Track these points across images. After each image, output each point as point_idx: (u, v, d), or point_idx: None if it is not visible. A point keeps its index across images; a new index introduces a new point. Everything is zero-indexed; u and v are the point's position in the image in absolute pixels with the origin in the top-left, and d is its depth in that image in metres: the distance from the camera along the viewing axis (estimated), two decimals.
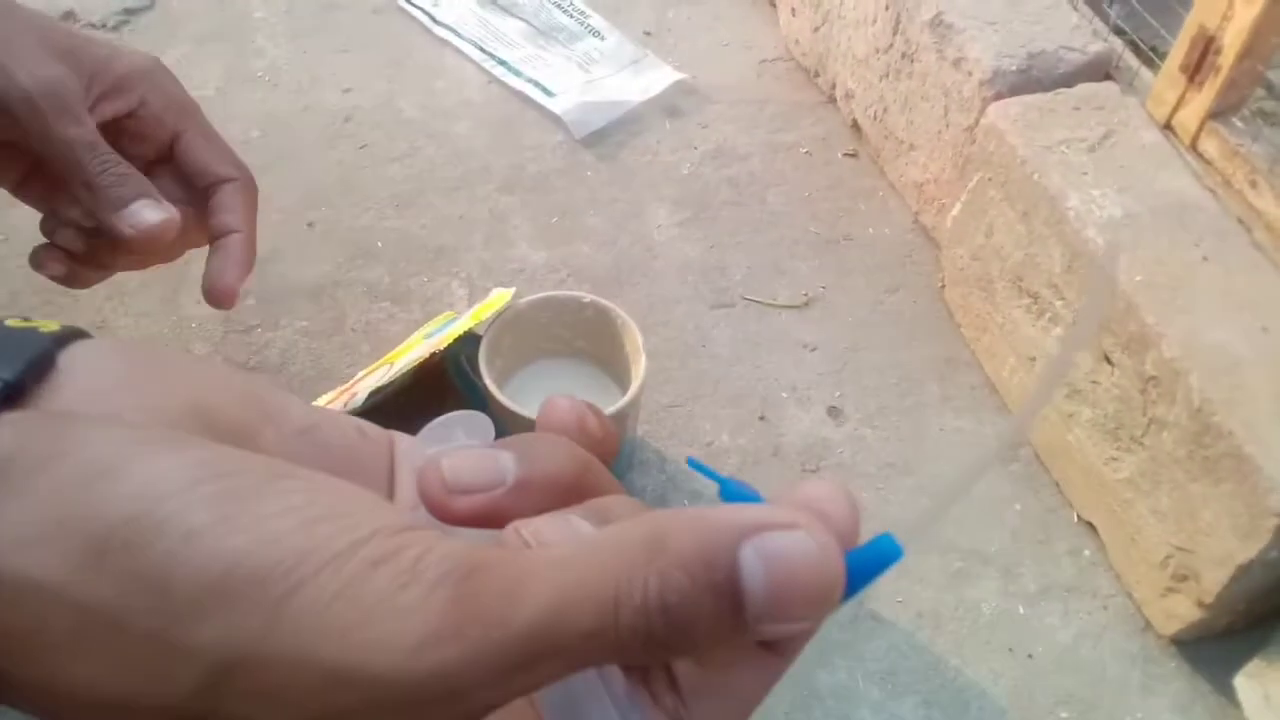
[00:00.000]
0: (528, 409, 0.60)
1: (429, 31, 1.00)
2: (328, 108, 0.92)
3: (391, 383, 0.65)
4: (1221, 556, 0.57)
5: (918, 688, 0.61)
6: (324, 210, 0.84)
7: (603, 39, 1.00)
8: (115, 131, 0.51)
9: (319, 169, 0.87)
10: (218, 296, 0.52)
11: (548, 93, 0.94)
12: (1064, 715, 0.61)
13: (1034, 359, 0.70)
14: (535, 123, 0.93)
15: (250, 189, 0.54)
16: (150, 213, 0.48)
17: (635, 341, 0.63)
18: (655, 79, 0.96)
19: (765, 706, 0.59)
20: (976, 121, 0.74)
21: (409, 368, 0.64)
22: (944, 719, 0.60)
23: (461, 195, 0.86)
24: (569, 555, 0.19)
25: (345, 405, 0.66)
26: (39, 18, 0.49)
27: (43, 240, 0.51)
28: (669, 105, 0.95)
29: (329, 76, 0.95)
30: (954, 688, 0.61)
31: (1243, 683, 0.60)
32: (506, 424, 0.62)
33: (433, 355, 0.63)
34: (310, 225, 0.82)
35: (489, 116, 0.93)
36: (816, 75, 0.98)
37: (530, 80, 0.95)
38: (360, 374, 0.71)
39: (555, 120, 0.93)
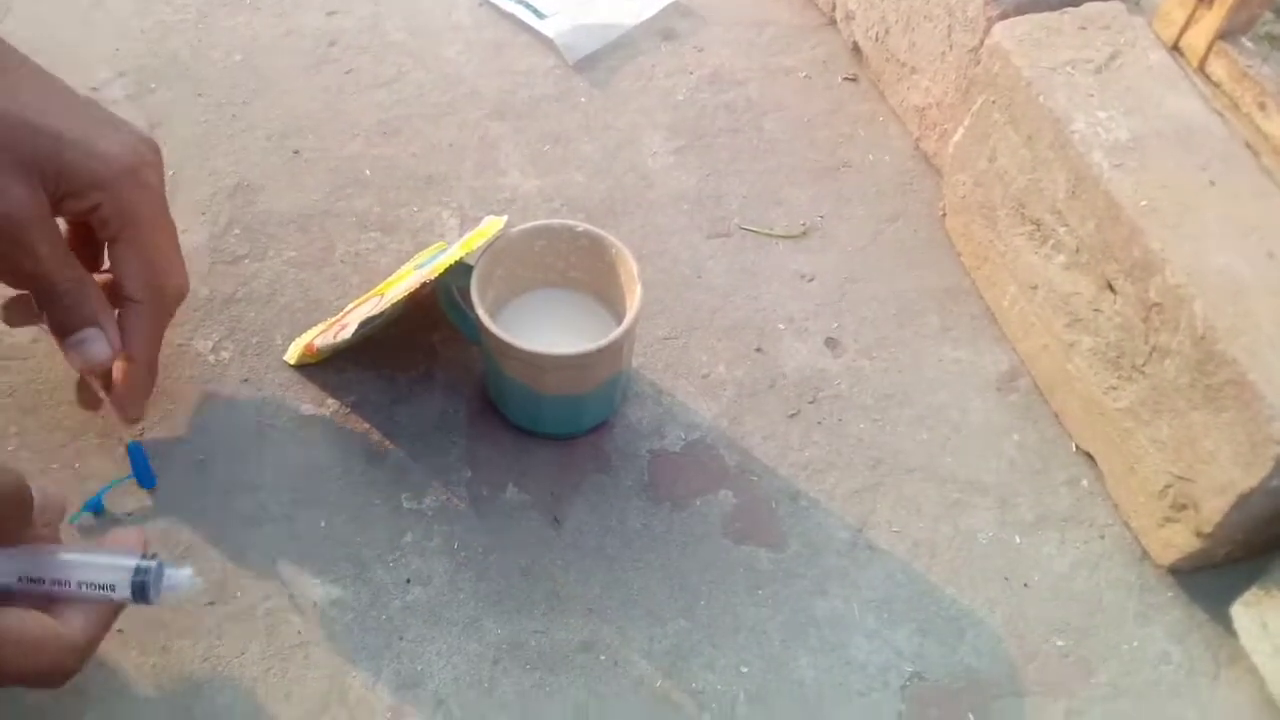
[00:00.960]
0: (521, 340, 0.59)
1: None
2: (311, 31, 0.90)
3: (382, 314, 0.64)
4: (1222, 485, 0.57)
5: (913, 616, 0.61)
6: (310, 138, 0.82)
7: None
8: (77, 222, 0.56)
9: (304, 95, 0.85)
10: (122, 414, 0.60)
11: (539, 15, 0.91)
12: (1059, 643, 0.61)
13: (1035, 287, 0.69)
14: (526, 46, 0.90)
15: (158, 315, 0.57)
16: (90, 348, 0.54)
17: (630, 271, 0.62)
18: (650, 0, 0.93)
19: (761, 632, 0.59)
20: (981, 42, 0.72)
21: (400, 298, 0.63)
22: (938, 646, 0.60)
23: (451, 122, 0.84)
24: None
25: (336, 337, 0.65)
26: (7, 116, 0.49)
27: None
28: (664, 28, 0.93)
29: None
30: (948, 616, 0.61)
31: (1240, 611, 0.60)
32: (500, 355, 0.61)
33: (424, 285, 0.62)
34: (296, 153, 0.81)
35: (478, 40, 0.91)
36: None
37: (521, 2, 0.92)
38: (350, 305, 0.70)
39: (547, 44, 0.90)
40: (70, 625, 0.45)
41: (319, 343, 0.66)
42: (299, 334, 0.69)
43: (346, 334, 0.64)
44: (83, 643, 0.46)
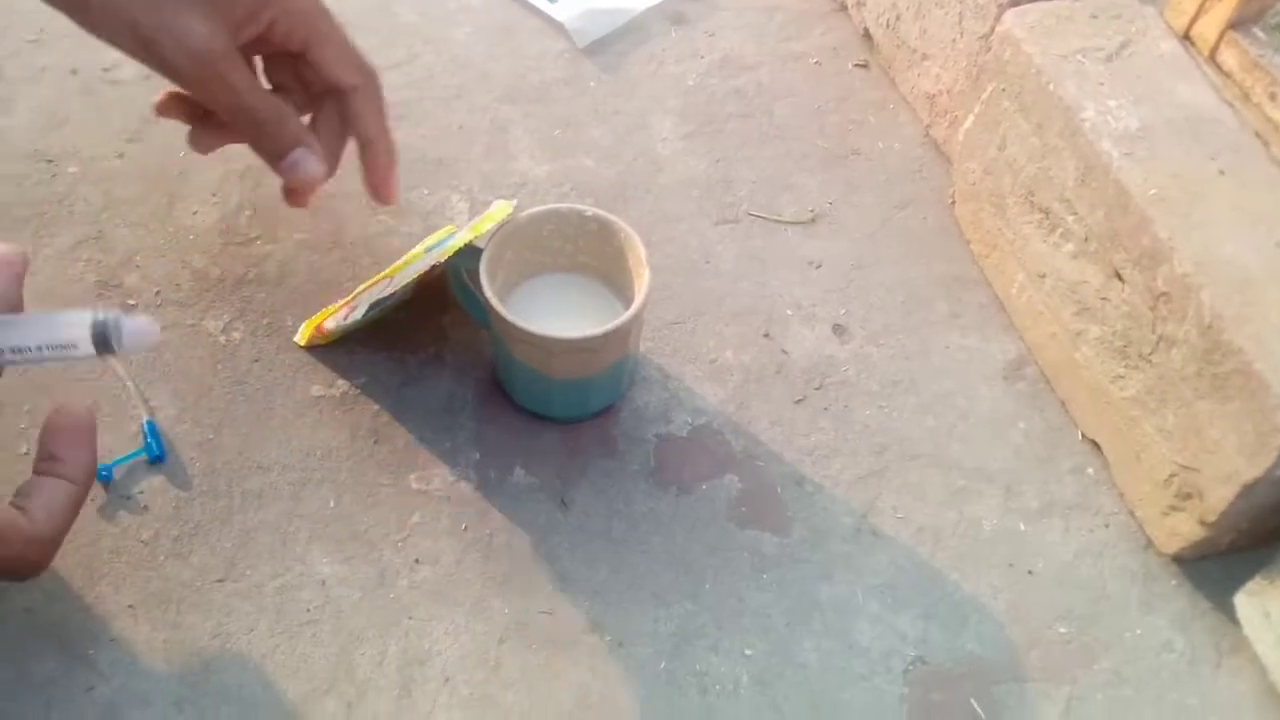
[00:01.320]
0: (530, 323, 0.59)
1: None
2: None
3: (392, 295, 0.64)
4: (1227, 474, 0.57)
5: (917, 601, 0.61)
6: None
7: None
8: (250, 50, 0.56)
9: None
10: (380, 198, 0.62)
11: None
12: (1063, 630, 0.61)
13: (1043, 276, 0.69)
14: (537, 30, 0.91)
15: (374, 93, 0.59)
16: (306, 166, 0.56)
17: (639, 255, 0.62)
18: None
19: (765, 616, 0.60)
20: (992, 29, 0.72)
21: (410, 280, 0.63)
22: (942, 632, 0.60)
23: (461, 105, 0.84)
24: None
25: (346, 318, 0.65)
26: None
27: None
28: (675, 13, 0.93)
29: None
30: (952, 602, 0.61)
31: (1243, 600, 0.61)
32: (509, 339, 0.61)
33: (434, 268, 0.62)
34: None
35: (489, 23, 0.91)
36: None
37: None
38: (360, 287, 0.70)
39: (557, 28, 0.90)
40: (33, 516, 0.45)
41: (329, 325, 0.66)
42: (309, 315, 0.70)
43: (357, 315, 0.64)
44: (46, 533, 0.45)
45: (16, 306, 0.46)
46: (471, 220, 0.67)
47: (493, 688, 0.57)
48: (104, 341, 0.45)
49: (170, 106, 0.59)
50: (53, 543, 0.45)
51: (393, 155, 0.61)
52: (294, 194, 0.60)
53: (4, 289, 0.45)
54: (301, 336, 0.69)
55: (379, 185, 0.61)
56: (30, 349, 0.45)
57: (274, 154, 0.56)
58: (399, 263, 0.70)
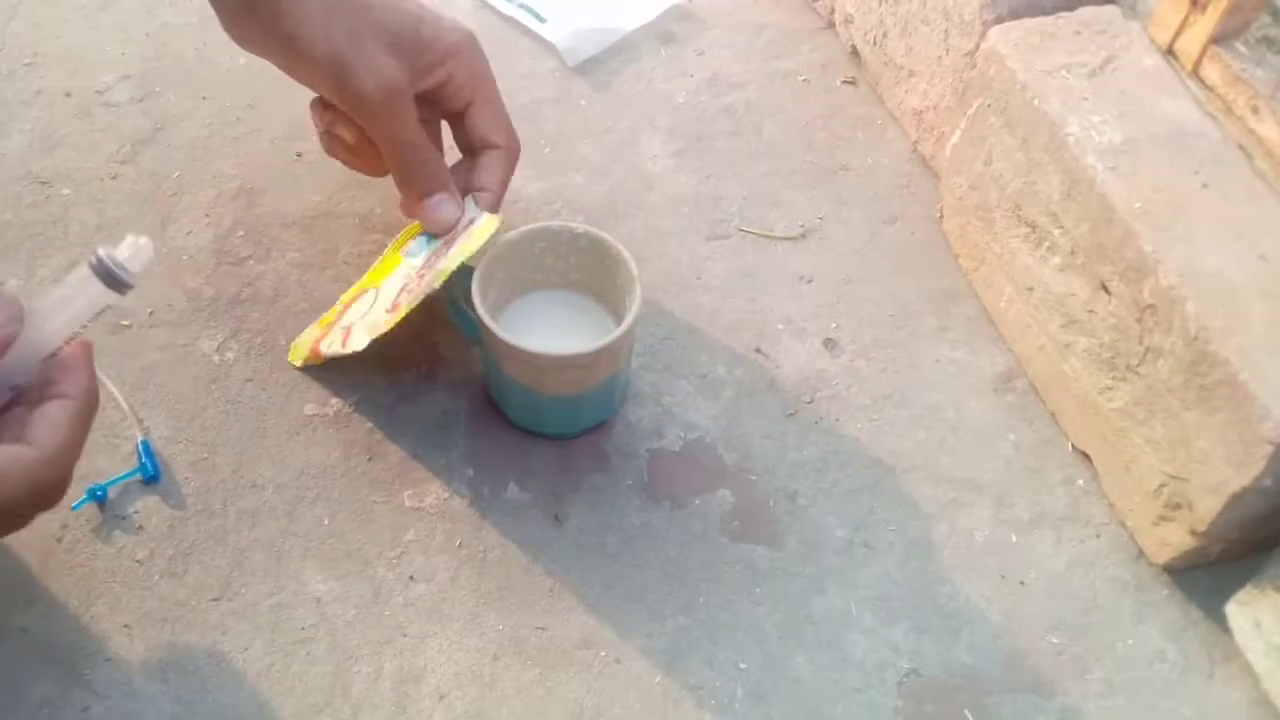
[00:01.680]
0: (522, 340, 0.59)
1: None
2: None
3: (392, 326, 0.63)
4: (1215, 485, 0.57)
5: (909, 613, 0.62)
6: (312, 140, 0.82)
7: None
8: (424, 97, 0.62)
9: (307, 98, 0.85)
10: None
11: (539, 18, 0.92)
12: (1055, 641, 0.61)
13: (1031, 289, 0.70)
14: (527, 50, 0.91)
15: (513, 157, 0.66)
16: (443, 212, 0.62)
17: (630, 272, 0.63)
18: (650, 4, 0.94)
19: (759, 630, 0.60)
20: (977, 46, 0.73)
21: (413, 308, 0.61)
22: (935, 644, 0.61)
23: None
24: None
25: (345, 345, 0.64)
26: (381, 4, 0.59)
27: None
28: (664, 32, 0.94)
29: None
30: (945, 613, 0.62)
31: (1234, 610, 0.61)
32: (501, 356, 0.61)
33: (434, 291, 0.62)
34: (299, 156, 0.81)
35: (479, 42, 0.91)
36: None
37: (521, 6, 0.93)
38: (340, 300, 0.70)
39: (547, 47, 0.91)
40: (34, 440, 0.44)
41: (324, 350, 0.66)
42: (296, 336, 0.70)
43: (357, 345, 0.63)
44: (51, 452, 0.44)
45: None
46: (460, 235, 0.67)
47: (487, 704, 0.57)
48: (113, 281, 0.47)
49: (324, 114, 0.65)
50: (61, 460, 0.44)
51: (514, 162, 0.67)
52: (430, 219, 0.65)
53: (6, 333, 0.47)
54: (295, 357, 0.69)
55: (492, 187, 0.65)
56: (59, 341, 0.47)
57: (420, 192, 0.62)
58: (374, 269, 0.71)
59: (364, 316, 0.66)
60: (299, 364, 0.69)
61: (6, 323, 0.45)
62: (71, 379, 0.47)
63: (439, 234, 0.64)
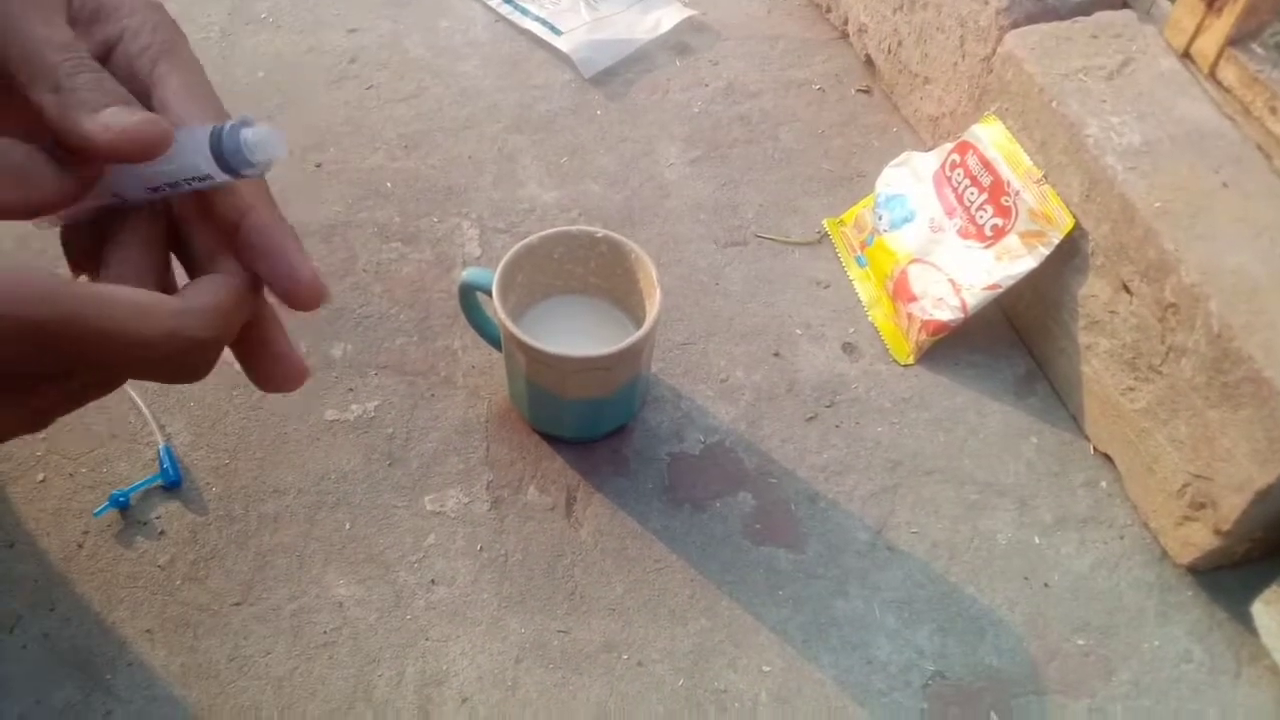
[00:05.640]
0: (543, 344, 0.59)
1: None
2: (333, 48, 0.91)
3: None
4: (1240, 483, 0.57)
5: (933, 616, 0.61)
6: (332, 151, 0.83)
7: None
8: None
9: (326, 110, 0.86)
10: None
11: (555, 31, 0.93)
12: (1080, 643, 0.61)
13: (1051, 290, 0.70)
14: (543, 61, 0.92)
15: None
16: (127, 115, 0.38)
17: (650, 276, 0.63)
18: (664, 16, 0.95)
19: (782, 632, 0.59)
20: (993, 51, 0.73)
21: None
22: (959, 646, 0.60)
23: (470, 135, 0.85)
24: None
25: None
26: None
27: None
28: (679, 43, 0.94)
29: (333, 17, 0.94)
30: (969, 616, 0.61)
31: (1260, 609, 0.60)
32: (522, 359, 0.62)
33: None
34: (318, 166, 0.82)
35: (496, 55, 0.92)
36: (828, 11, 0.97)
37: (537, 18, 0.94)
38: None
39: (563, 59, 0.92)
40: (184, 293, 0.36)
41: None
42: (321, 342, 0.70)
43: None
44: (199, 304, 0.35)
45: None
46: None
47: (510, 707, 0.57)
48: (223, 162, 0.37)
49: None
50: (211, 313, 0.35)
51: (289, 229, 0.49)
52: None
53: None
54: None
55: (283, 271, 0.45)
56: (159, 186, 0.38)
57: (87, 105, 0.38)
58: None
59: None
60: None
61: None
62: (229, 263, 0.37)
63: (126, 156, 0.40)
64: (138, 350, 0.32)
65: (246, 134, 0.38)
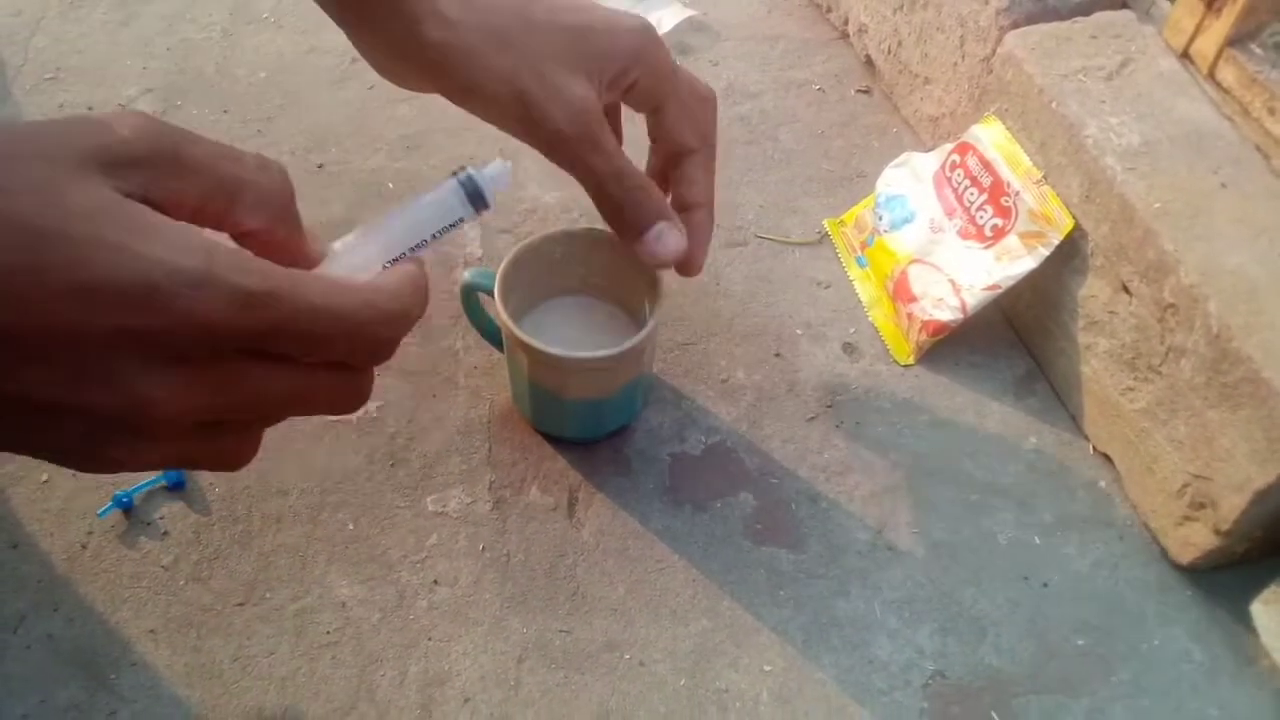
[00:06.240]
0: (545, 344, 0.59)
1: None
2: (334, 48, 0.92)
3: None
4: (1239, 482, 0.57)
5: (934, 616, 0.61)
6: (333, 151, 0.83)
7: None
8: (606, 110, 0.52)
9: (327, 110, 0.87)
10: (688, 269, 0.56)
11: None
12: (1080, 643, 0.61)
13: (1051, 290, 0.70)
14: None
15: (711, 159, 0.57)
16: (666, 244, 0.53)
17: (651, 276, 0.63)
18: (664, 16, 0.95)
19: (783, 632, 0.59)
20: (993, 51, 0.73)
21: None
22: (960, 646, 0.60)
23: (471, 136, 0.86)
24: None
25: None
26: (546, 14, 0.50)
27: None
28: (678, 43, 0.94)
29: None
30: (970, 616, 0.62)
31: (1260, 609, 0.61)
32: (524, 359, 0.62)
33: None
34: (320, 167, 0.82)
35: None
36: (828, 11, 0.97)
37: None
38: None
39: None
40: (374, 281, 0.37)
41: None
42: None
43: None
44: (394, 281, 0.37)
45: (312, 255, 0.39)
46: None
47: (512, 707, 0.57)
48: (477, 196, 0.42)
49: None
50: (401, 293, 0.37)
51: (712, 225, 0.58)
52: (659, 264, 0.56)
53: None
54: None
55: (695, 252, 0.56)
56: (425, 241, 0.41)
57: (637, 227, 0.53)
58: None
59: None
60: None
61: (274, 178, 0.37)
62: (414, 262, 0.40)
63: (664, 268, 0.56)
64: (339, 320, 0.33)
65: (486, 174, 0.42)
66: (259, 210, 0.34)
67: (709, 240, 0.57)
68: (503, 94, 0.49)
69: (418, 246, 0.41)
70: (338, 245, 0.40)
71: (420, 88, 0.53)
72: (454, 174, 0.42)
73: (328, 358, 0.34)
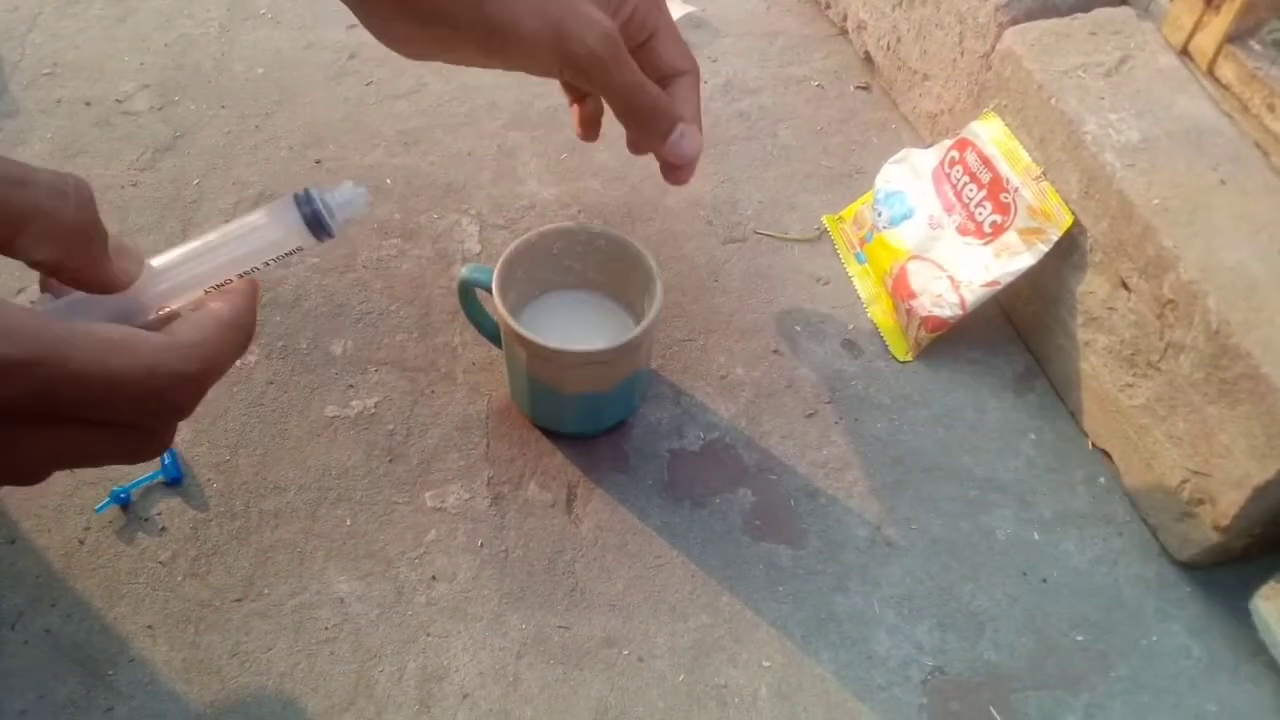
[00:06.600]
0: (544, 338, 0.59)
1: None
2: (332, 44, 0.91)
3: None
4: (1238, 479, 0.57)
5: (933, 612, 0.61)
6: (331, 148, 0.83)
7: None
8: None
9: (325, 106, 0.86)
10: (677, 181, 0.59)
11: None
12: (1079, 638, 0.61)
13: (1050, 287, 0.70)
14: None
15: (698, 81, 0.60)
16: (688, 143, 0.57)
17: (649, 270, 0.63)
18: None
19: (782, 628, 0.59)
20: (992, 48, 0.73)
21: None
22: (959, 641, 0.60)
23: (469, 131, 0.85)
24: None
25: None
26: None
27: None
28: None
29: (331, 13, 0.94)
30: (969, 612, 0.62)
31: (1259, 605, 0.61)
32: (522, 354, 0.62)
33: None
34: (318, 163, 0.82)
35: None
36: (827, 7, 0.97)
37: None
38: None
39: None
40: (171, 330, 0.36)
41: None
42: (321, 339, 0.70)
43: None
44: (187, 342, 0.35)
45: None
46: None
47: (511, 703, 0.57)
48: (316, 222, 0.40)
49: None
50: (194, 354, 0.35)
51: (701, 138, 0.61)
52: (674, 171, 0.60)
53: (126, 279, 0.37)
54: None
55: (690, 167, 0.60)
56: (255, 267, 0.39)
57: (661, 133, 0.57)
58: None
59: None
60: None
61: (126, 271, 0.36)
62: (229, 298, 0.39)
63: (687, 166, 0.59)
64: (119, 387, 0.32)
65: (333, 198, 0.41)
66: (48, 242, 0.32)
67: (699, 153, 0.61)
68: (539, 27, 0.52)
69: (248, 273, 0.39)
70: (157, 263, 0.37)
71: (427, 50, 0.54)
72: (295, 195, 0.39)
73: (112, 420, 0.33)
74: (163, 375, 0.34)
